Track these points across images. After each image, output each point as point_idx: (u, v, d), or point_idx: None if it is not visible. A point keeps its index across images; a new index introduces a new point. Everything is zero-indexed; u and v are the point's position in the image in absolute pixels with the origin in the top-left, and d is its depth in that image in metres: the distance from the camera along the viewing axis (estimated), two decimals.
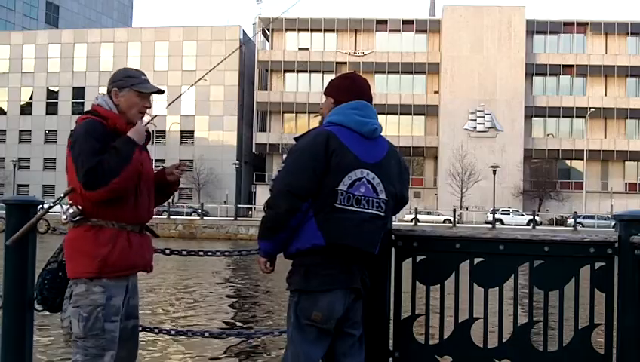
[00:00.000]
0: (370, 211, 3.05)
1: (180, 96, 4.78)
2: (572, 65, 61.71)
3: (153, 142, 61.84)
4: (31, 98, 68.49)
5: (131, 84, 3.25)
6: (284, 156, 3.13)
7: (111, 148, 3.07)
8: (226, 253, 4.33)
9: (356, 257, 3.06)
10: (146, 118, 3.39)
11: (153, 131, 3.42)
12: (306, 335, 3.06)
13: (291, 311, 3.08)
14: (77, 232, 3.13)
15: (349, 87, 3.25)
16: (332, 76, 62.93)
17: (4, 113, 68.50)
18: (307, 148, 3.02)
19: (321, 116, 3.30)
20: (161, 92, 3.33)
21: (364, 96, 3.22)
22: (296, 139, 3.18)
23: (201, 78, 4.42)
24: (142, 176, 3.20)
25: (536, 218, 48.88)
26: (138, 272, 3.34)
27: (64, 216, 3.12)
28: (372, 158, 3.07)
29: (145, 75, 3.36)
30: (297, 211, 2.96)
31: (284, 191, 2.96)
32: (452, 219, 49.11)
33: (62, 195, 3.19)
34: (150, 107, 3.33)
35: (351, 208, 3.00)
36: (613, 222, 40.47)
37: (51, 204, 3.30)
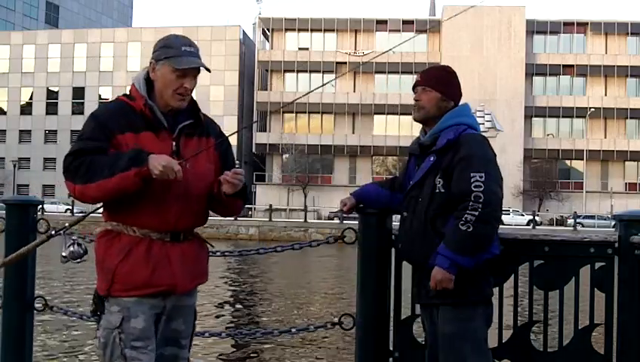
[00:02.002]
0: None
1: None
2: (572, 65, 61.65)
3: None
4: (31, 98, 68.46)
5: (166, 56, 2.57)
6: (474, 162, 2.90)
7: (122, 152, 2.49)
8: (226, 253, 4.32)
9: None
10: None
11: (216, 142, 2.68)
12: (484, 346, 3.05)
13: (478, 324, 2.99)
14: (97, 237, 2.64)
15: (459, 85, 3.20)
16: (332, 76, 63.00)
17: (4, 113, 68.47)
18: (494, 158, 3.01)
19: (421, 110, 3.13)
20: (205, 69, 2.65)
21: None
22: (471, 143, 3.03)
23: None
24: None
25: (536, 218, 48.82)
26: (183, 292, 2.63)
27: (63, 254, 2.55)
28: None
29: (190, 45, 2.61)
30: None
31: (500, 204, 2.93)
32: None
33: (67, 225, 2.62)
34: (192, 88, 2.63)
35: None
36: (613, 222, 40.44)
37: (53, 233, 2.67)
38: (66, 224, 2.59)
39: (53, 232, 2.65)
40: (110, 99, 2.77)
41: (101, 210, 2.64)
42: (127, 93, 2.65)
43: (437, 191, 2.98)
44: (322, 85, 3.11)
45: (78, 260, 2.55)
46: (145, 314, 2.54)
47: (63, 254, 2.54)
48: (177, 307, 2.64)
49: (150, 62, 2.62)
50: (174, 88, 2.57)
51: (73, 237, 2.56)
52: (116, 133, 2.52)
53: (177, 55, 2.57)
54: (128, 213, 2.54)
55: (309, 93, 2.98)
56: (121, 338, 2.51)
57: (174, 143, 2.60)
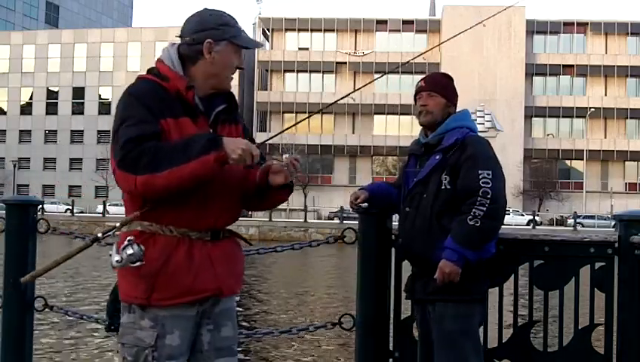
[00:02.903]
0: None
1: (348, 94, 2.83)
2: (572, 65, 61.66)
3: None
4: (31, 98, 68.46)
5: (231, 36, 2.33)
6: (481, 161, 3.02)
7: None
8: None
9: None
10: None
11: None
12: (480, 343, 3.13)
13: (476, 322, 3.07)
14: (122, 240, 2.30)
15: (457, 91, 3.31)
16: (332, 76, 63.04)
17: (4, 113, 68.47)
18: (497, 159, 3.10)
19: (428, 114, 3.21)
20: (260, 45, 2.49)
21: None
22: (479, 146, 3.12)
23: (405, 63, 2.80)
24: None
25: (536, 218, 48.82)
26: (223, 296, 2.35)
27: (117, 258, 2.16)
28: None
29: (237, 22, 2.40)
30: None
31: (505, 203, 3.03)
32: None
33: (118, 225, 2.28)
34: (244, 68, 2.43)
35: None
36: (613, 222, 40.44)
37: (99, 236, 2.30)
38: (116, 224, 2.26)
39: (100, 235, 2.26)
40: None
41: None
42: (155, 72, 2.32)
43: (443, 187, 3.06)
44: (352, 92, 2.95)
45: (138, 263, 2.16)
46: (179, 329, 2.25)
47: (117, 259, 2.15)
48: (224, 311, 2.36)
49: (206, 42, 2.29)
50: (232, 69, 2.36)
51: (129, 238, 2.19)
52: (159, 118, 2.21)
53: (238, 34, 2.35)
54: (164, 211, 2.22)
55: (345, 96, 2.86)
56: (154, 356, 2.21)
57: (211, 130, 2.32)
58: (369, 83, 3.05)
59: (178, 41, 2.38)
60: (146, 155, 2.09)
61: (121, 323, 2.28)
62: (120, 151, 2.12)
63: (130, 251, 2.15)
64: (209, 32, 2.30)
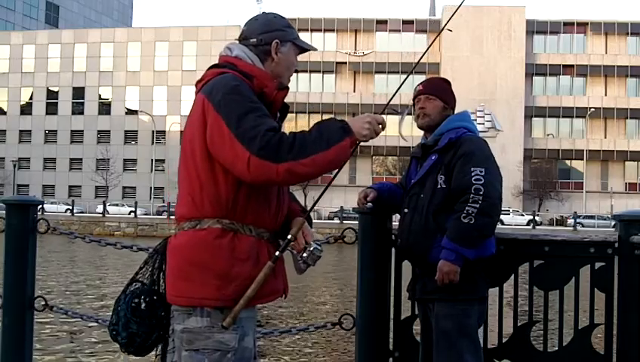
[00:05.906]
0: None
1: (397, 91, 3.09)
2: (572, 65, 61.67)
3: (153, 142, 61.81)
4: (31, 98, 68.45)
5: (294, 38, 2.34)
6: (474, 158, 3.00)
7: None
8: None
9: None
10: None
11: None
12: (478, 343, 3.10)
13: (473, 321, 3.05)
14: (198, 238, 2.16)
15: (454, 95, 3.33)
16: (332, 76, 63.01)
17: (4, 113, 68.46)
18: (493, 157, 3.09)
19: (426, 117, 3.24)
20: (315, 49, 2.53)
21: None
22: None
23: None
24: None
25: (536, 218, 48.82)
26: None
27: (302, 264, 2.24)
28: None
29: None
30: None
31: (500, 199, 3.01)
32: None
33: (290, 238, 2.23)
34: (297, 70, 2.49)
35: None
36: (613, 222, 40.43)
37: (285, 240, 2.24)
38: (289, 237, 2.23)
39: (288, 237, 2.22)
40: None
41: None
42: (235, 69, 2.24)
43: (439, 186, 3.07)
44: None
45: (320, 255, 2.22)
46: (252, 330, 2.20)
47: (302, 267, 2.23)
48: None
49: (273, 42, 2.28)
50: (293, 71, 2.37)
51: (316, 241, 2.24)
52: None
53: (299, 36, 2.37)
54: (249, 211, 2.17)
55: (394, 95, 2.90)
56: (233, 360, 2.12)
57: None
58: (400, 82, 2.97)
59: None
60: (285, 144, 2.05)
61: (185, 329, 2.13)
62: (261, 139, 2.03)
63: (309, 249, 2.22)
64: (276, 33, 2.30)
